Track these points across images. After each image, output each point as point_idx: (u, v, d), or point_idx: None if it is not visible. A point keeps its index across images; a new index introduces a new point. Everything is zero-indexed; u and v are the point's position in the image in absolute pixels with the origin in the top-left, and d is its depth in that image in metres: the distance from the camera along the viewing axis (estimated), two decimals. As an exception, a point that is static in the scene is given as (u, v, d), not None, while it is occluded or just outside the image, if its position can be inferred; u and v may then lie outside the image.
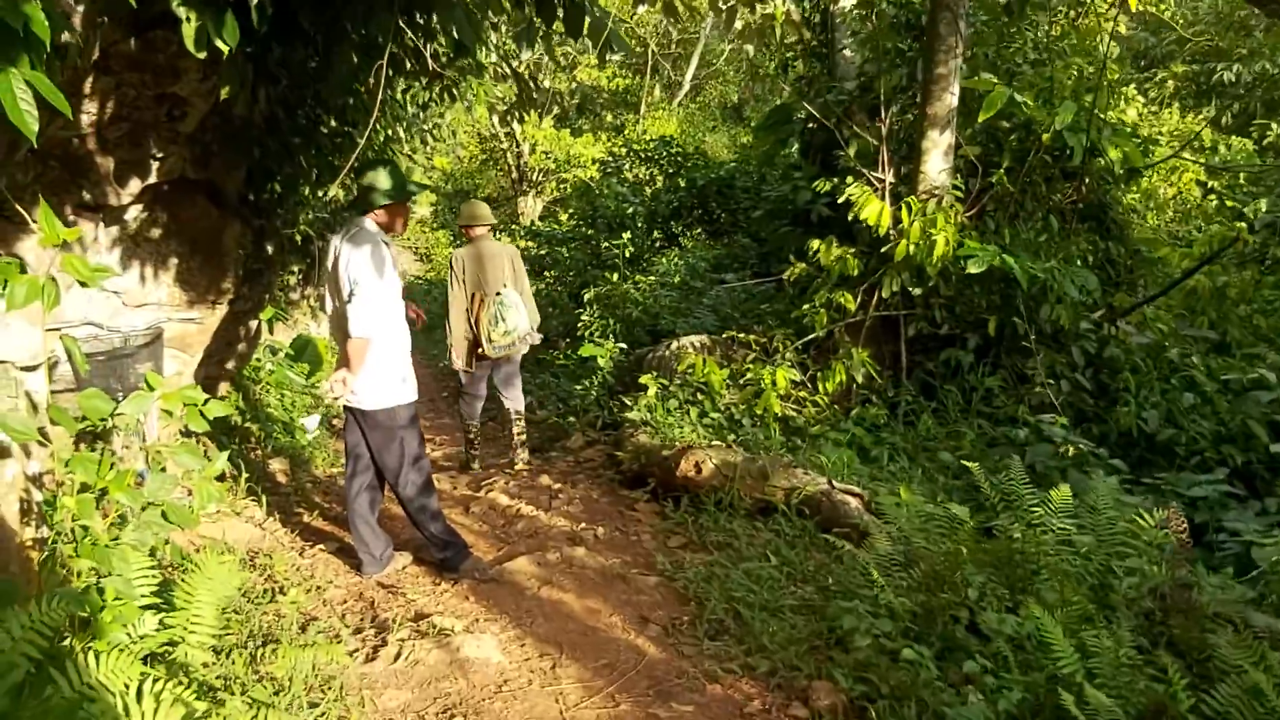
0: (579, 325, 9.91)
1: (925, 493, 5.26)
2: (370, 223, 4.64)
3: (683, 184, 15.48)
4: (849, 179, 7.71)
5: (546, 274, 13.12)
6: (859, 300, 7.48)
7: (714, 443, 6.07)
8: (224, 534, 5.41)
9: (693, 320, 9.25)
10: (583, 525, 5.53)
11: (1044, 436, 5.85)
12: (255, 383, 8.39)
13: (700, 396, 7.15)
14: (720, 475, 5.41)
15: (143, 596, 3.18)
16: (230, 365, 7.31)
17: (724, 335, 7.92)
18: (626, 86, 28.62)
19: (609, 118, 29.36)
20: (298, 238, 10.86)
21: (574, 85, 22.20)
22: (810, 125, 10.87)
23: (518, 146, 27.30)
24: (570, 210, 22.85)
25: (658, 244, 13.54)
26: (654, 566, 4.87)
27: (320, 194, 7.75)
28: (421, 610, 4.39)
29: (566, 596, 4.52)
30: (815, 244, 7.57)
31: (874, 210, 7.16)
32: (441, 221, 34.19)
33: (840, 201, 7.50)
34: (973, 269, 6.85)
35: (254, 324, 7.18)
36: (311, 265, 14.53)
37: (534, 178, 27.77)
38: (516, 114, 9.34)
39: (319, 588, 4.63)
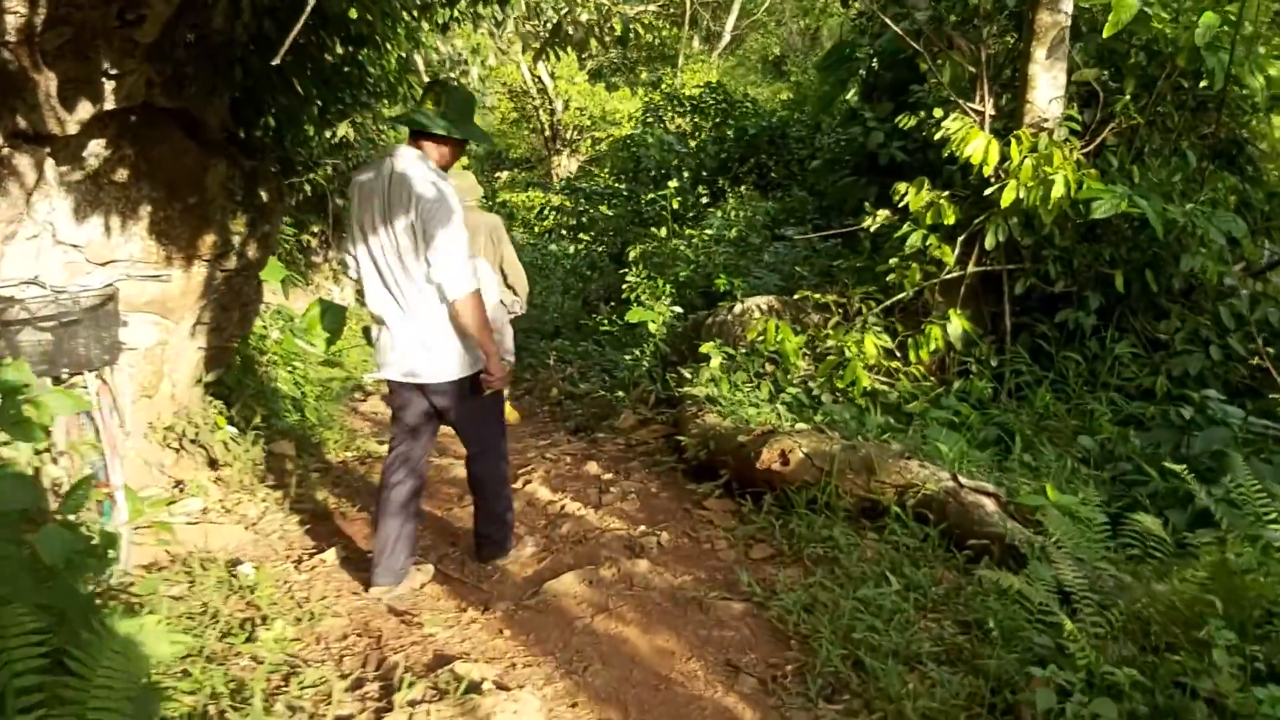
0: (624, 288, 8.85)
1: (1074, 491, 4.18)
2: (426, 154, 3.64)
3: (730, 134, 14.34)
4: (936, 114, 6.57)
5: (583, 235, 12.06)
6: (956, 254, 6.36)
7: (799, 425, 5.01)
8: (206, 539, 4.45)
9: (752, 280, 8.17)
10: (642, 529, 4.50)
11: (1214, 418, 4.73)
12: (261, 353, 7.41)
13: (771, 368, 6.09)
14: (813, 467, 4.36)
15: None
16: (226, 335, 6.34)
17: (795, 296, 6.82)
18: (663, 39, 27.33)
19: (644, 74, 28.12)
20: (306, 187, 9.93)
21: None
22: (875, 64, 9.78)
23: (550, 103, 26.16)
24: (608, 166, 21.76)
25: (704, 200, 12.46)
26: (737, 587, 3.83)
27: (327, 134, 6.72)
28: (442, 650, 3.39)
29: (628, 630, 3.50)
30: (902, 187, 6.44)
31: (978, 146, 6.02)
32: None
33: (935, 138, 6.36)
34: (1099, 214, 5.72)
35: (254, 285, 6.19)
36: (334, 224, 13.61)
37: (568, 135, 26.63)
38: (549, 54, 8.17)
39: (313, 615, 3.64)
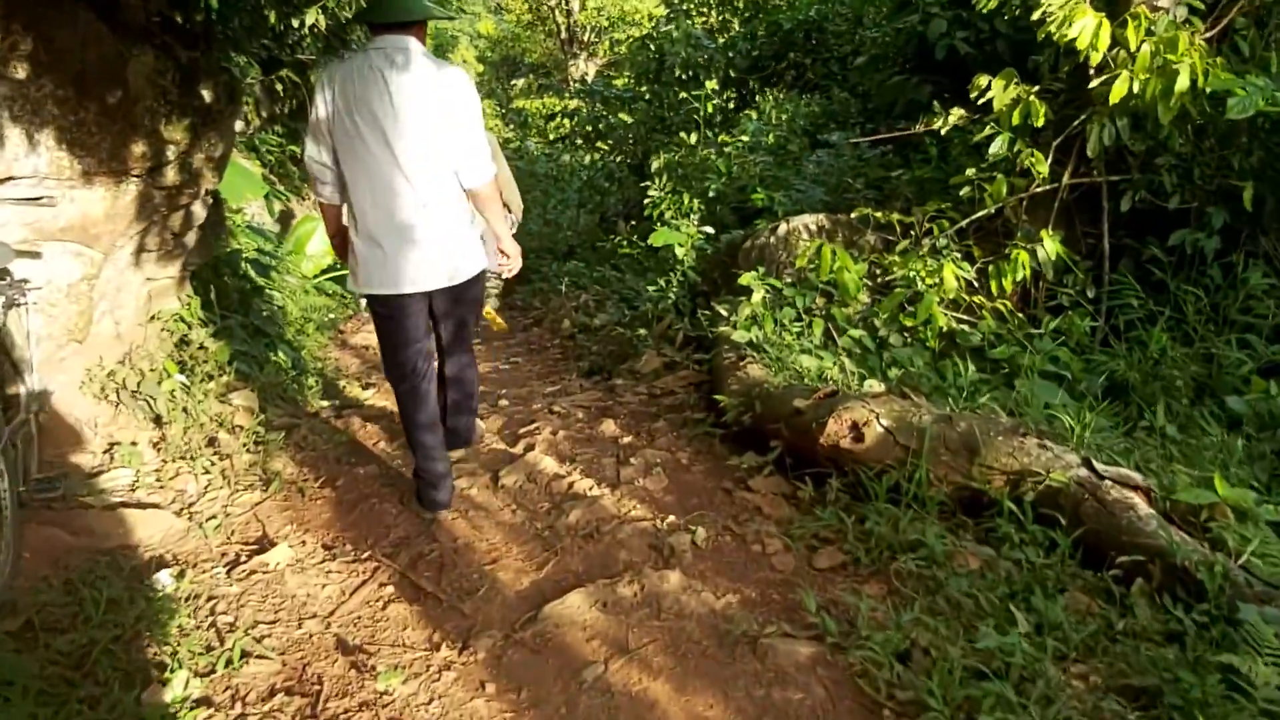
0: (645, 203, 7.77)
1: (1241, 478, 3.18)
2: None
3: (762, 31, 13.02)
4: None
5: (601, 144, 10.91)
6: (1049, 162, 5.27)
7: (871, 385, 3.98)
8: (126, 529, 3.54)
9: (794, 194, 7.07)
10: (671, 519, 3.52)
11: None
12: (231, 281, 6.43)
13: (824, 303, 5.06)
14: (895, 445, 3.35)
15: None
16: (178, 265, 5.36)
17: (851, 214, 5.75)
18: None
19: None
20: (275, 85, 8.85)
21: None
22: None
23: (566, 2, 24.65)
24: (628, 69, 20.36)
25: (732, 104, 11.24)
26: (800, 616, 2.85)
27: (295, 23, 5.62)
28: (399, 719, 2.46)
29: (655, 686, 2.55)
30: (982, 80, 5.30)
31: (1086, 27, 4.86)
32: (487, 90, 31.77)
33: (1034, 19, 5.20)
34: (1234, 114, 4.61)
35: (208, 204, 5.17)
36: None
37: (585, 38, 25.16)
38: None
39: (234, 658, 2.71)
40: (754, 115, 7.98)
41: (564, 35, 25.47)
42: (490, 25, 33.94)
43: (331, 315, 7.71)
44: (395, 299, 3.49)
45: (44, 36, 3.75)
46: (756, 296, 4.98)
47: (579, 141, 10.97)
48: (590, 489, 3.82)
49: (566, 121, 10.54)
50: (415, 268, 3.42)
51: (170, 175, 4.50)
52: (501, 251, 3.80)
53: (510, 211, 5.84)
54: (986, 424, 3.29)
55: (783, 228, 5.64)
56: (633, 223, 10.60)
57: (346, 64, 3.36)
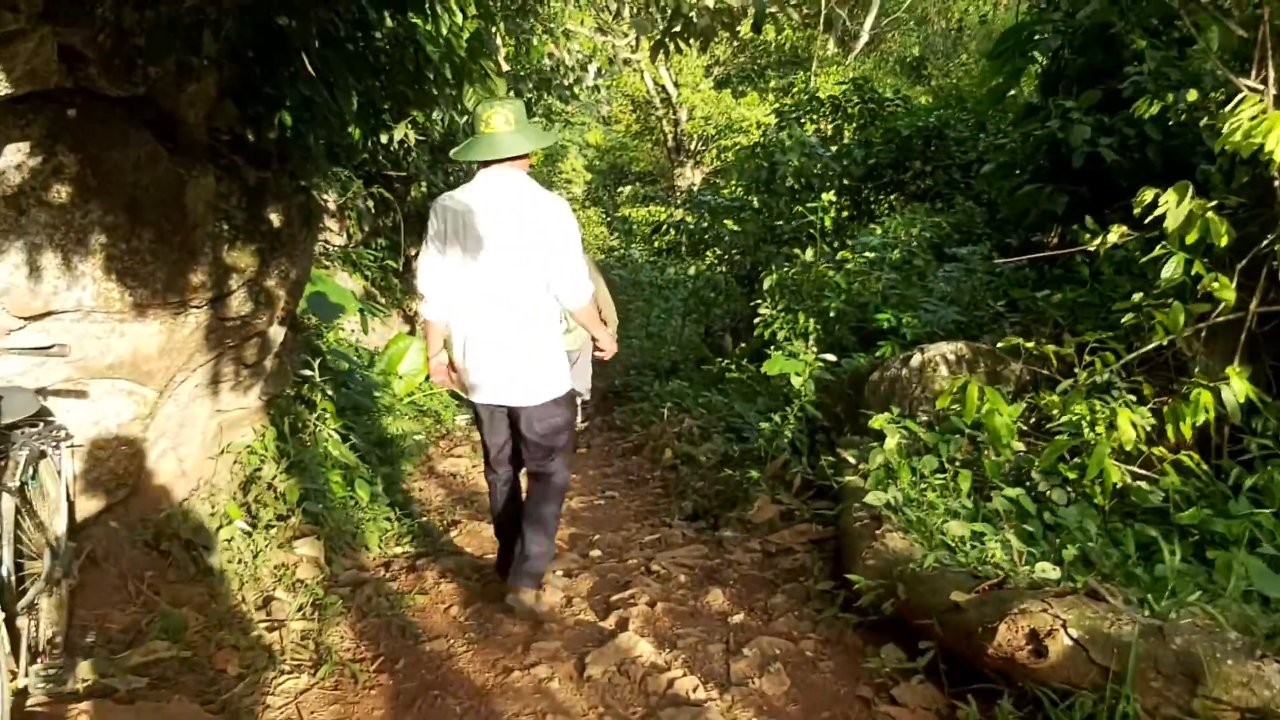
0: (755, 321, 7.18)
1: None
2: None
3: (877, 138, 12.50)
4: (1212, 96, 4.74)
5: (709, 252, 10.41)
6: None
7: (1048, 575, 3.22)
8: (144, 726, 3.00)
9: (923, 314, 6.40)
10: (796, 742, 2.81)
11: None
12: (310, 410, 6.00)
13: (966, 446, 4.33)
14: (1087, 663, 2.61)
15: None
16: (253, 395, 4.96)
17: (997, 344, 5.04)
18: (794, 43, 25.61)
19: (773, 81, 26.39)
20: (366, 202, 8.64)
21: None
22: (1064, 47, 8.03)
23: (674, 112, 24.69)
24: (734, 177, 20.05)
25: (846, 214, 10.66)
26: None
27: (381, 138, 5.27)
28: None
29: None
30: (1148, 194, 4.60)
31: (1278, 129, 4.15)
32: (594, 198, 32.01)
33: (1202, 125, 4.52)
34: None
35: (276, 331, 4.76)
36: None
37: (692, 146, 25.12)
38: (670, 47, 6.55)
39: None
40: (877, 230, 7.36)
41: (671, 144, 25.48)
42: (599, 135, 34.39)
43: (419, 438, 7.24)
44: (485, 405, 3.86)
45: (92, 158, 3.37)
46: (891, 443, 4.28)
47: (684, 252, 10.50)
48: (694, 690, 3.13)
49: (672, 232, 10.08)
50: (506, 382, 3.74)
51: (236, 304, 4.08)
52: (599, 349, 4.13)
53: (606, 324, 5.52)
54: (1211, 642, 2.52)
55: (916, 358, 4.96)
56: (740, 340, 10.00)
57: (458, 193, 3.67)
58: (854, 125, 13.10)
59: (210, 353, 4.22)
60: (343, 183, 9.61)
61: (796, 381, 5.31)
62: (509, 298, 3.63)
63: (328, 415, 5.95)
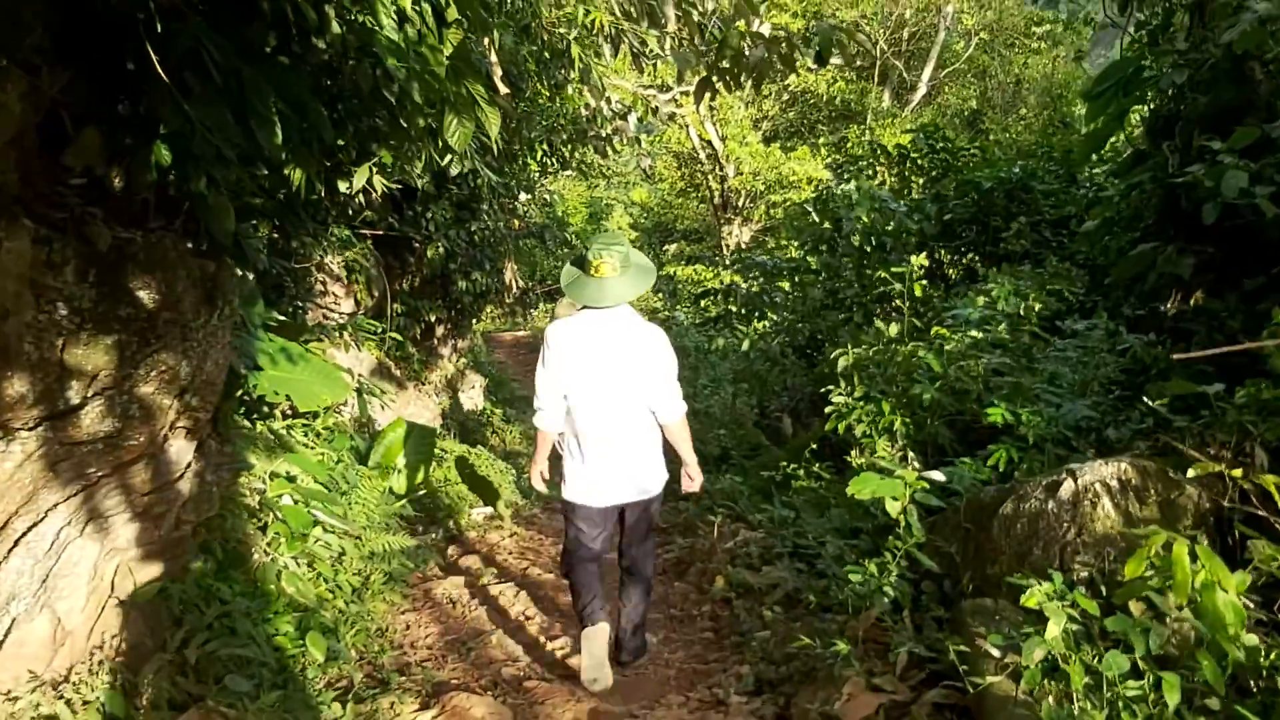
0: (827, 411, 5.81)
1: None
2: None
3: (951, 192, 11.14)
4: None
5: (762, 320, 9.07)
6: None
7: None
8: None
9: (1045, 409, 4.99)
10: None
11: None
12: (262, 525, 4.71)
13: (1168, 636, 2.90)
14: None
15: None
16: (166, 525, 3.70)
17: (1149, 451, 3.63)
18: (846, 95, 24.45)
19: (824, 136, 25.22)
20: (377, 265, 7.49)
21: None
22: (1181, 84, 6.83)
23: (721, 168, 23.55)
24: (785, 234, 18.73)
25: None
26: None
27: (343, 186, 4.01)
28: None
29: None
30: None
31: None
32: (638, 260, 30.89)
33: None
34: None
35: (185, 445, 3.46)
36: (455, 310, 11.09)
37: (739, 203, 23.93)
38: (719, 86, 5.23)
39: None
40: (978, 299, 5.97)
41: (717, 200, 24.33)
42: (643, 193, 33.42)
43: (411, 559, 5.90)
44: (595, 509, 4.27)
45: None
46: (1054, 629, 2.87)
47: (734, 320, 9.17)
48: None
49: (721, 300, 8.77)
50: (618, 484, 4.22)
51: (89, 421, 2.79)
52: (688, 475, 4.45)
53: None
54: None
55: (1067, 485, 3.54)
56: (800, 426, 8.60)
57: (571, 322, 4.14)
58: (924, 178, 11.79)
59: (68, 488, 2.95)
60: (344, 242, 8.43)
61: (893, 508, 3.90)
62: (620, 414, 4.16)
63: (283, 540, 4.65)
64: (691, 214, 29.10)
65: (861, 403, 5.63)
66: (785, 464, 6.27)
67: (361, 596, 5.03)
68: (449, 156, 5.58)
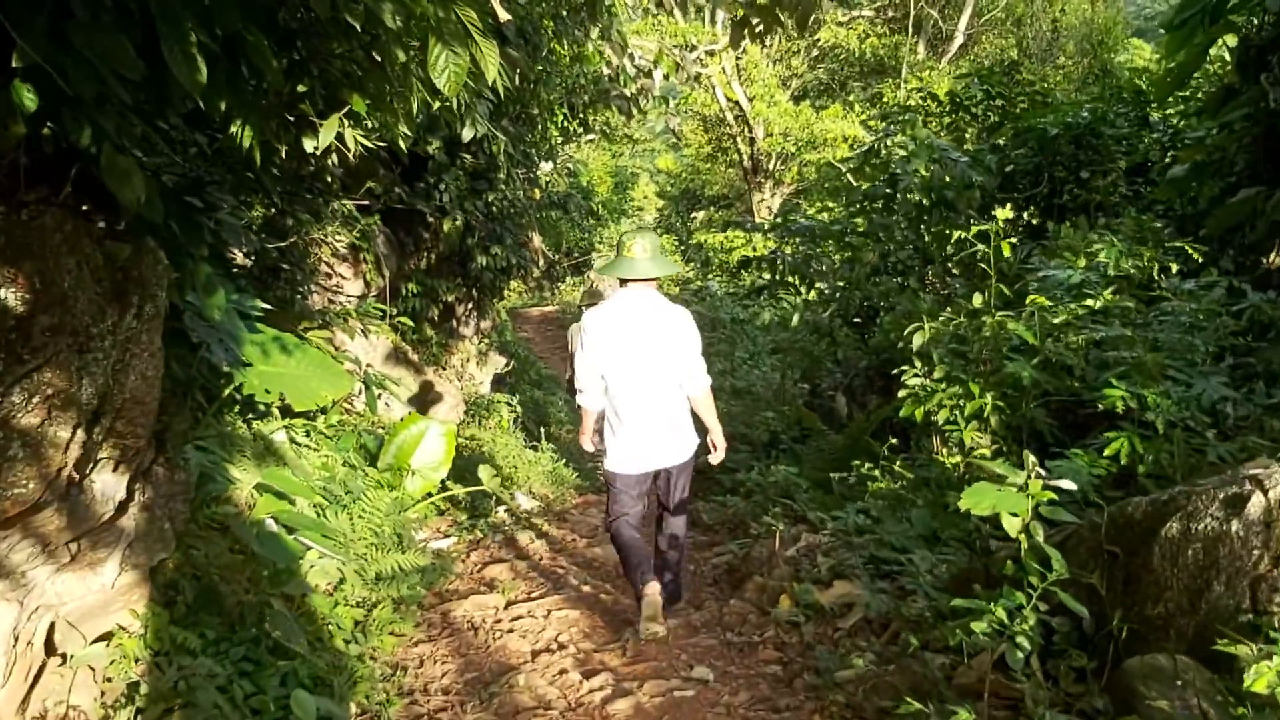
0: (902, 396, 4.99)
1: None
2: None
3: (1003, 141, 10.21)
4: None
5: (811, 289, 8.21)
6: None
7: None
8: None
9: (1175, 389, 4.15)
10: None
11: None
12: (240, 559, 3.97)
13: None
14: None
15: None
16: (108, 571, 2.99)
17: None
18: (879, 49, 23.34)
19: (855, 94, 24.13)
20: (337, 238, 6.78)
21: None
22: None
23: (749, 130, 22.57)
24: (821, 196, 17.76)
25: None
26: None
27: (305, 144, 3.23)
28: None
29: None
30: None
31: None
32: (668, 225, 30.05)
33: None
34: None
35: (107, 484, 2.71)
36: (476, 288, 10.31)
37: (770, 165, 22.95)
38: (758, 25, 4.34)
39: None
40: (1078, 260, 5.10)
41: (746, 163, 23.35)
42: (670, 161, 32.43)
43: (425, 577, 5.15)
44: (634, 475, 4.69)
45: None
46: (1263, 679, 2.06)
47: (779, 291, 8.32)
48: None
49: (765, 269, 7.93)
50: (653, 452, 4.66)
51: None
52: (712, 444, 4.80)
53: None
54: None
55: (1256, 500, 2.70)
56: (859, 406, 7.78)
57: (605, 307, 4.65)
58: (978, 127, 10.85)
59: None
60: (346, 218, 7.66)
61: (1012, 526, 3.07)
62: (653, 388, 4.55)
63: (264, 578, 3.90)
64: (720, 179, 28.13)
65: (943, 384, 4.80)
66: (855, 461, 5.44)
67: (365, 631, 4.29)
68: (461, 121, 4.81)
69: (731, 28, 5.98)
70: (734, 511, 6.43)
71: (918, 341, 4.92)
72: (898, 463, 5.08)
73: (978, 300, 4.80)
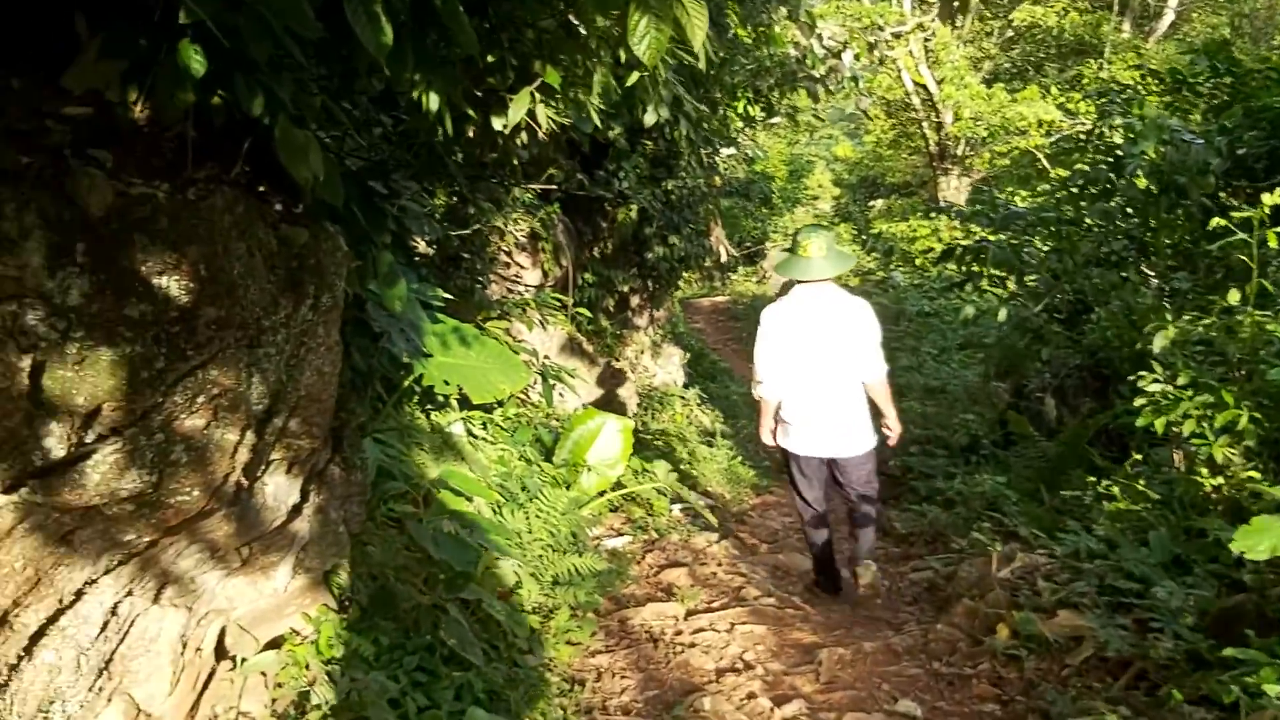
0: (1139, 404, 4.41)
1: None
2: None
3: (1230, 124, 9.21)
4: None
5: (1021, 281, 7.57)
6: None
7: None
8: None
9: None
10: None
11: None
12: (415, 562, 3.79)
13: None
14: None
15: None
16: (281, 575, 2.85)
17: None
18: (1077, 28, 21.85)
19: (1051, 77, 22.66)
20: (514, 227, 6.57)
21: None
22: None
23: (937, 114, 21.56)
24: (1011, 184, 16.72)
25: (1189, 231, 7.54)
26: None
27: (494, 123, 2.98)
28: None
29: None
30: None
31: None
32: (844, 214, 29.18)
33: None
34: None
35: (280, 486, 2.54)
36: (652, 278, 10.09)
37: (958, 151, 21.85)
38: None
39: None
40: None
41: (932, 150, 22.32)
42: (848, 148, 31.49)
43: (603, 581, 4.90)
44: (813, 459, 4.90)
45: None
46: None
47: (983, 284, 7.70)
48: None
49: (969, 260, 7.33)
50: (829, 439, 4.82)
51: (105, 475, 1.85)
52: (887, 427, 4.89)
53: None
54: None
55: None
56: (1067, 409, 7.11)
57: (784, 303, 4.81)
58: (1203, 106, 9.85)
59: (102, 560, 2.05)
60: (528, 206, 7.52)
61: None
62: (831, 378, 4.72)
63: (440, 580, 3.71)
64: (902, 166, 27.05)
65: (1188, 392, 4.20)
66: (1073, 472, 4.88)
67: (541, 640, 4.06)
68: (643, 105, 4.50)
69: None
70: (931, 521, 5.94)
71: (1159, 344, 4.33)
72: (1140, 481, 4.50)
73: (1233, 297, 4.17)
